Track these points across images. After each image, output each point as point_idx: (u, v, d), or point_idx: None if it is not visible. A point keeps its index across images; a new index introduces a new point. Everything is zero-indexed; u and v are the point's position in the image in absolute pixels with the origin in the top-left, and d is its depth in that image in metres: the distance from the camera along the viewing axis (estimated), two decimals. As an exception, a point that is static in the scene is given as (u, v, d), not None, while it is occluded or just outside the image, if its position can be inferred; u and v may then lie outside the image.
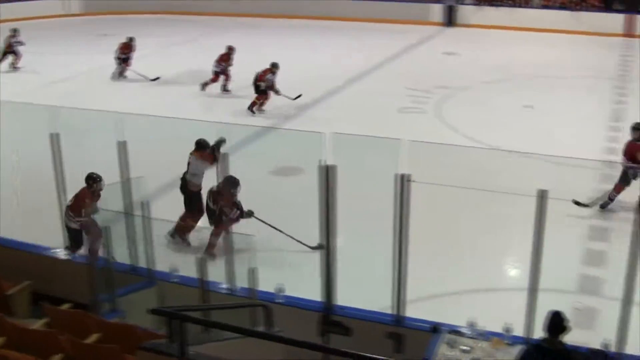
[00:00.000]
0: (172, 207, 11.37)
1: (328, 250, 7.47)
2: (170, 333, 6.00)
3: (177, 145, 14.51)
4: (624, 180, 12.09)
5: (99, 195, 10.01)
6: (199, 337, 6.63)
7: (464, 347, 6.78)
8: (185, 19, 34.81)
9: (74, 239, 9.97)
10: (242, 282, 8.11)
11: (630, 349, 6.80)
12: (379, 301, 7.79)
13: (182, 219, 11.23)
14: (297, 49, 27.40)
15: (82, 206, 9.90)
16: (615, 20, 30.28)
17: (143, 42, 27.62)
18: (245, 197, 10.35)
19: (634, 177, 12.02)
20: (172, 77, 22.46)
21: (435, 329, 7.07)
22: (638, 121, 12.32)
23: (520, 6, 31.90)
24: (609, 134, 16.65)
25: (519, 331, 6.91)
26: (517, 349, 6.52)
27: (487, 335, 6.91)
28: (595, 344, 6.71)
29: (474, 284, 10.02)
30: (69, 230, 10.03)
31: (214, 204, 10.63)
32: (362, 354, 5.09)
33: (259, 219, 10.63)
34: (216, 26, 32.60)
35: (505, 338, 6.87)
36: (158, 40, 29.05)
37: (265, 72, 18.48)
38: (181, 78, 22.38)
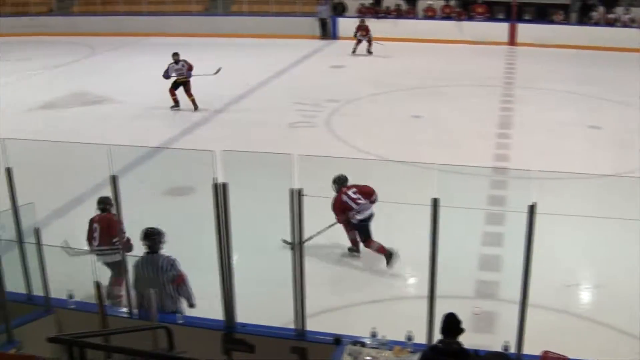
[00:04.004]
0: (63, 233, 11.15)
1: (228, 267, 7.46)
2: (70, 361, 5.90)
3: (65, 170, 14.37)
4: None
5: None
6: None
7: (367, 358, 6.88)
8: (67, 39, 34.09)
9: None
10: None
11: (527, 349, 6.99)
12: (281, 316, 7.84)
13: None
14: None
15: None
16: (498, 29, 31.27)
17: (20, 66, 27.22)
18: (138, 218, 10.22)
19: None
20: (57, 100, 22.03)
21: (337, 340, 7.15)
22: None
23: (403, 18, 32.55)
24: (497, 141, 17.17)
25: (420, 339, 7.04)
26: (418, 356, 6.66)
27: (389, 345, 7.03)
28: (497, 347, 6.90)
29: (374, 294, 10.15)
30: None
31: None
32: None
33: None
34: (94, 46, 32.24)
35: (407, 346, 7.01)
36: (37, 63, 28.51)
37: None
38: (67, 101, 21.96)
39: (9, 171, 8.14)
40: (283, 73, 25.91)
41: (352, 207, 11.11)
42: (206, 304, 8.11)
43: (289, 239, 7.49)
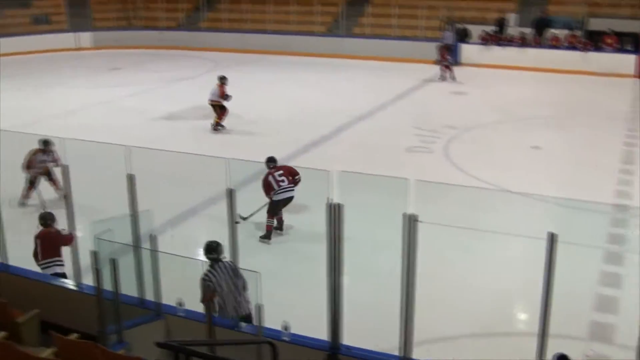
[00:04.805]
0: (178, 241, 11.39)
1: (337, 288, 7.45)
2: (176, 367, 5.99)
3: (183, 180, 14.67)
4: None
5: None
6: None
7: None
8: (192, 54, 35.13)
9: None
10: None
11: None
12: (386, 342, 7.76)
13: None
14: (306, 86, 27.60)
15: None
16: (625, 61, 30.34)
17: (148, 77, 28.09)
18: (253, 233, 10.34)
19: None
20: (181, 112, 22.62)
21: (442, 370, 7.05)
22: None
23: (527, 46, 32.07)
24: (619, 177, 16.65)
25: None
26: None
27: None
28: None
29: (483, 326, 9.96)
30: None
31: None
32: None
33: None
34: (218, 61, 33.02)
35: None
36: (164, 74, 29.40)
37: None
38: (189, 113, 22.52)
39: (131, 178, 8.36)
40: (403, 97, 25.88)
41: (274, 188, 12.72)
42: (312, 322, 8.10)
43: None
